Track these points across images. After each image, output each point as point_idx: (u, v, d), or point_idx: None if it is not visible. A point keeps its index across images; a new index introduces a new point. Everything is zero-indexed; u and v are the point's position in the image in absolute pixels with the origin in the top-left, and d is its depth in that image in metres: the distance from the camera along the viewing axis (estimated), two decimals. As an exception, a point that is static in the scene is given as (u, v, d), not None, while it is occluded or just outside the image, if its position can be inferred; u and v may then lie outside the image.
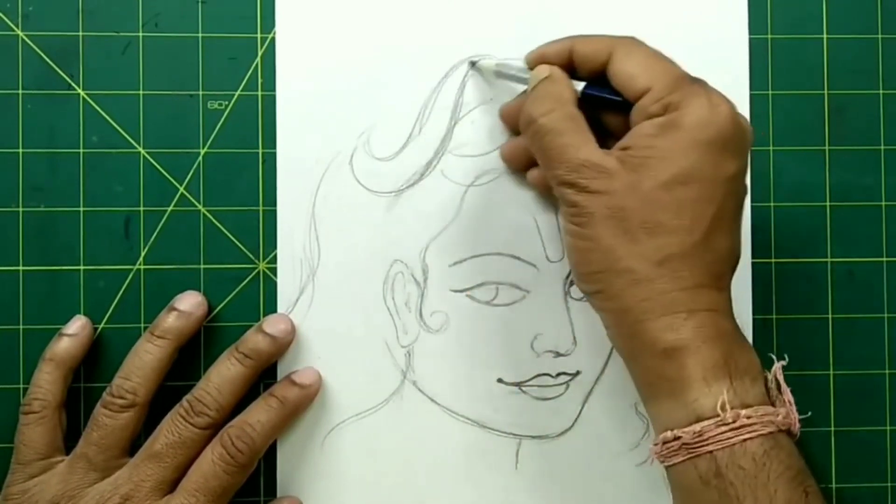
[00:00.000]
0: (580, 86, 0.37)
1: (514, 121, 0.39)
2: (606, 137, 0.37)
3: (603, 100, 0.37)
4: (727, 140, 0.34)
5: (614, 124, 0.37)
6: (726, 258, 0.35)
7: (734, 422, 0.31)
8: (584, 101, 0.37)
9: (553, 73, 0.37)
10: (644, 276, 0.33)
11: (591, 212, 0.34)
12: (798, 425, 0.33)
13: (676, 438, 0.32)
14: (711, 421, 0.32)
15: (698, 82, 0.35)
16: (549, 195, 0.41)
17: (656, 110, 0.34)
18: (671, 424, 0.33)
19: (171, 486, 0.38)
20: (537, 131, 0.36)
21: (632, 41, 0.37)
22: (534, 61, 0.39)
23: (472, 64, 0.42)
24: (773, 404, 0.33)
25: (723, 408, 0.32)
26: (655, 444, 0.34)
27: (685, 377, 0.32)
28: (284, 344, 0.41)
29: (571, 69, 0.38)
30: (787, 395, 0.34)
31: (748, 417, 0.32)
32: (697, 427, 0.32)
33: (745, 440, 0.31)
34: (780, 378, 0.34)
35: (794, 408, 0.33)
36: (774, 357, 0.35)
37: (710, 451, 0.32)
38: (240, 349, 0.40)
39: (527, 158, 0.41)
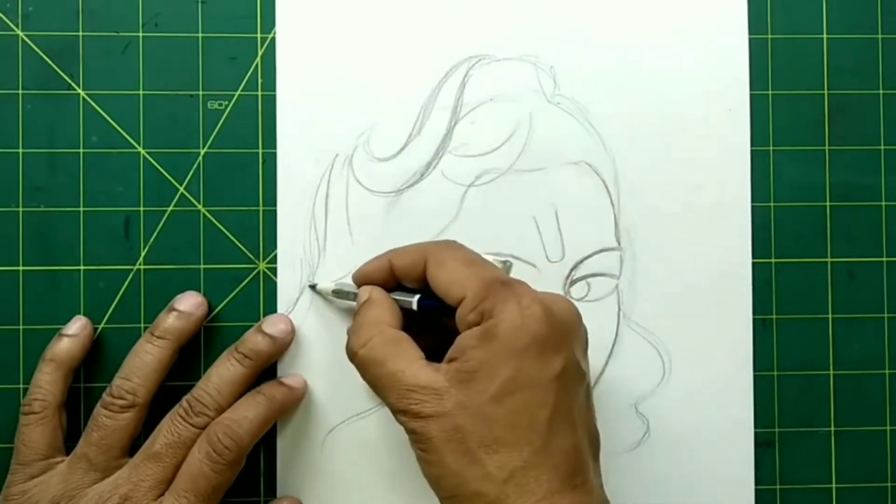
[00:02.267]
0: (414, 299, 0.37)
1: None
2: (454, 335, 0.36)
3: (436, 312, 0.37)
4: (544, 341, 0.33)
5: (454, 323, 0.36)
6: (577, 453, 0.33)
7: None
8: (423, 315, 0.37)
9: (371, 296, 0.37)
10: (494, 498, 0.32)
11: (430, 437, 0.33)
12: None
13: None
14: None
15: (508, 285, 0.34)
16: None
17: (473, 318, 0.34)
18: None
19: (170, 485, 0.38)
20: (360, 364, 0.36)
21: (444, 248, 0.37)
22: (359, 280, 0.39)
23: (312, 287, 0.42)
24: None
25: None
26: None
27: None
28: (284, 344, 0.41)
29: (396, 282, 0.38)
30: None
31: None
32: None
33: None
34: None
35: None
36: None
37: None
38: (239, 349, 0.40)
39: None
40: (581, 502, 0.33)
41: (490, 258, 0.37)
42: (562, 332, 0.34)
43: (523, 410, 0.33)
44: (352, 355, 0.36)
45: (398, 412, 0.34)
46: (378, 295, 0.38)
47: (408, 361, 0.34)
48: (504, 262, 0.39)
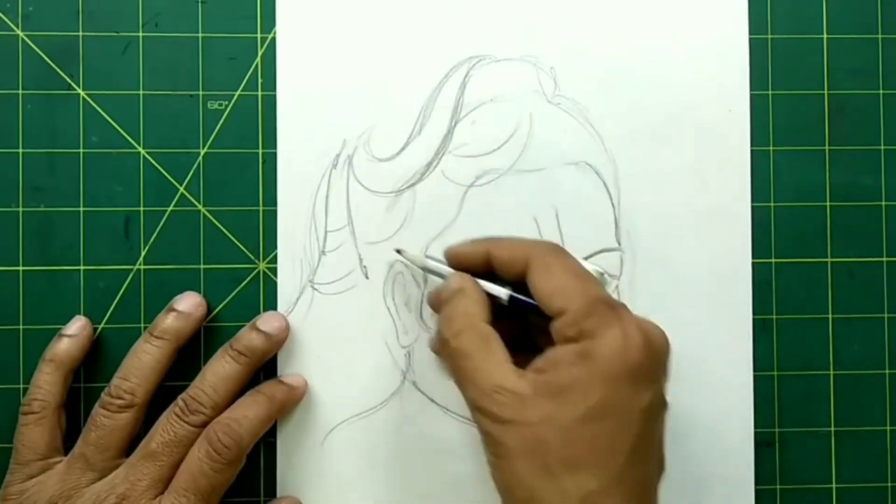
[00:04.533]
0: (506, 294, 0.37)
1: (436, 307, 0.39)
2: (538, 334, 0.36)
3: (528, 310, 0.36)
4: (639, 371, 0.33)
5: (543, 324, 0.36)
6: (645, 486, 0.33)
7: None
8: (511, 309, 0.36)
9: (464, 287, 0.37)
10: None
11: (506, 443, 0.33)
12: None
13: None
14: None
15: (613, 308, 0.34)
16: None
17: (572, 335, 0.33)
18: None
19: (167, 484, 0.38)
20: (450, 354, 0.35)
21: (549, 252, 0.36)
22: (452, 261, 0.38)
23: (399, 252, 0.41)
24: None
25: None
26: None
27: None
28: (279, 341, 0.41)
29: (492, 272, 0.37)
30: None
31: None
32: None
33: None
34: None
35: None
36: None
37: None
38: (234, 347, 0.40)
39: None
40: None
41: (589, 268, 0.37)
42: (656, 364, 0.34)
43: (608, 436, 0.32)
44: (443, 343, 0.36)
45: (476, 410, 0.34)
46: (471, 286, 0.37)
47: (496, 362, 0.34)
48: (602, 274, 0.38)
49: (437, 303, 0.38)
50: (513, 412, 0.33)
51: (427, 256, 0.41)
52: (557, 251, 0.36)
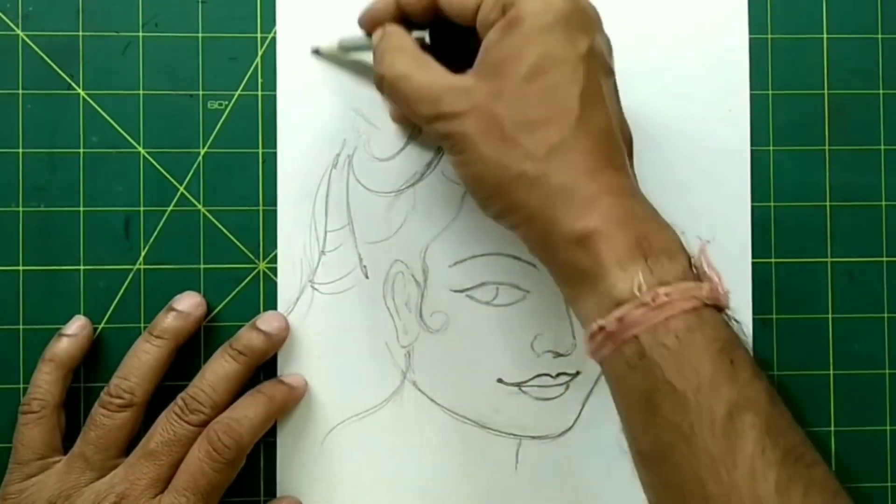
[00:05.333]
0: (425, 37, 0.37)
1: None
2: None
3: (451, 39, 0.36)
4: (569, 19, 0.33)
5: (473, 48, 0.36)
6: (611, 135, 0.34)
7: (653, 301, 0.30)
8: (436, 50, 0.36)
9: (386, 29, 0.37)
10: (536, 175, 0.32)
11: (466, 132, 0.33)
12: (727, 298, 0.32)
13: (601, 329, 0.31)
14: (630, 304, 0.30)
15: None
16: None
17: (495, 16, 0.34)
18: (594, 317, 0.32)
19: (167, 483, 0.38)
20: (390, 85, 0.36)
21: None
22: (367, 23, 0.38)
23: (316, 52, 0.42)
24: (697, 280, 0.32)
25: (639, 289, 0.30)
26: (585, 342, 0.33)
27: (599, 265, 0.31)
28: (278, 341, 0.41)
29: (406, 21, 0.37)
30: (713, 270, 0.32)
31: (667, 295, 0.30)
32: (617, 313, 0.31)
33: (667, 318, 0.30)
34: (706, 255, 0.33)
35: (721, 281, 0.32)
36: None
37: (635, 336, 0.31)
38: (234, 346, 0.40)
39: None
40: (621, 183, 0.33)
41: None
42: (586, 14, 0.34)
43: (555, 88, 0.33)
44: (379, 80, 0.36)
45: (431, 120, 0.34)
46: (392, 27, 0.37)
47: (435, 73, 0.35)
48: None
49: (375, 77, 0.38)
50: (463, 103, 0.33)
51: (340, 42, 0.40)
52: None
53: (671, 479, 0.31)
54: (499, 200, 0.34)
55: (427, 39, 0.37)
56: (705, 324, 0.31)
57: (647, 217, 0.33)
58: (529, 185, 0.33)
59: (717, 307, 0.32)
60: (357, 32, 0.39)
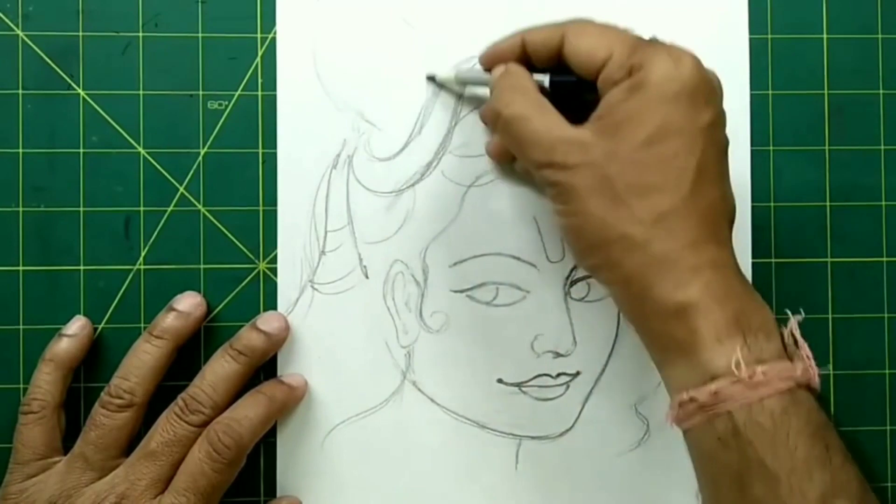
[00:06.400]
0: (545, 79, 0.37)
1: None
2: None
3: (570, 88, 0.36)
4: (695, 90, 0.33)
5: (587, 112, 0.36)
6: (719, 209, 0.34)
7: (750, 379, 0.30)
8: (553, 96, 0.36)
9: (509, 67, 0.37)
10: (641, 240, 0.32)
11: (574, 185, 0.33)
12: (817, 379, 0.32)
13: (692, 400, 0.31)
14: (727, 380, 0.31)
15: (656, 41, 0.35)
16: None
17: (621, 76, 0.34)
18: (686, 385, 0.32)
19: (167, 483, 0.38)
20: (506, 124, 0.36)
21: (580, 19, 0.36)
22: (489, 61, 0.39)
23: (431, 79, 0.42)
24: (790, 360, 0.32)
25: (737, 365, 0.31)
26: (671, 408, 0.33)
27: (697, 337, 0.32)
28: (279, 341, 0.41)
29: (528, 63, 0.37)
30: (805, 349, 0.32)
31: (764, 374, 0.31)
32: (713, 386, 0.31)
33: (762, 398, 0.30)
34: (797, 333, 0.33)
35: (812, 362, 0.32)
36: (790, 313, 0.34)
37: (728, 411, 0.31)
38: (234, 346, 0.40)
39: (509, 154, 0.41)
40: (723, 258, 0.33)
41: None
42: (712, 85, 0.34)
43: (672, 157, 0.33)
44: (496, 117, 0.36)
45: (543, 166, 0.34)
46: (515, 66, 0.37)
47: (554, 120, 0.35)
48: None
49: (484, 113, 0.38)
50: (578, 157, 0.33)
51: (457, 74, 0.41)
52: (587, 19, 0.36)
53: None
54: (597, 256, 0.34)
55: (546, 84, 0.37)
56: (800, 405, 0.31)
57: (746, 294, 0.33)
58: (631, 248, 0.33)
59: (810, 388, 0.32)
60: (476, 66, 0.40)
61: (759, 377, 0.31)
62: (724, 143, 0.35)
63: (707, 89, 0.34)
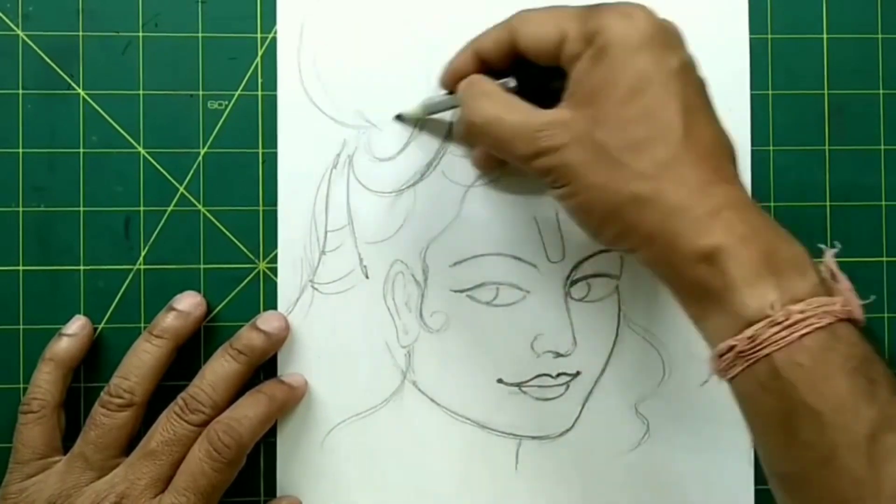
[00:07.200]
0: (511, 82, 0.37)
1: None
2: None
3: (537, 79, 0.36)
4: (655, 37, 0.33)
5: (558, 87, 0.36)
6: (717, 147, 0.33)
7: (786, 319, 0.29)
8: (524, 94, 0.36)
9: (470, 79, 0.37)
10: (650, 194, 0.32)
11: (567, 163, 0.33)
12: (860, 311, 0.31)
13: (731, 349, 0.31)
14: (762, 323, 0.30)
15: (603, 4, 0.34)
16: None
17: (581, 48, 0.34)
18: (723, 335, 0.31)
19: (167, 483, 0.38)
20: (480, 130, 0.36)
21: (522, 11, 0.36)
22: (447, 82, 0.39)
23: (399, 117, 0.42)
24: (829, 294, 0.31)
25: (771, 307, 0.30)
26: (711, 360, 0.32)
27: (727, 282, 0.31)
28: (278, 341, 0.41)
29: (489, 71, 0.37)
30: (844, 281, 0.32)
31: (801, 312, 0.30)
32: (749, 332, 0.30)
33: (801, 336, 0.29)
34: (833, 266, 0.32)
35: (853, 294, 0.31)
36: (824, 247, 0.34)
37: (767, 355, 0.30)
38: (234, 346, 0.40)
39: (495, 160, 0.40)
40: (737, 195, 0.33)
41: None
42: (669, 32, 0.34)
43: (654, 106, 0.32)
44: (469, 128, 0.36)
45: (530, 158, 0.34)
46: (475, 76, 0.37)
47: (526, 111, 0.35)
48: None
49: (463, 127, 0.38)
50: (563, 136, 0.33)
51: (424, 104, 0.41)
52: (529, 7, 0.36)
53: (812, 502, 0.30)
54: (613, 225, 0.33)
55: (511, 84, 0.37)
56: (840, 340, 0.30)
57: (771, 230, 0.32)
58: (644, 206, 0.32)
59: (852, 320, 0.31)
60: (441, 93, 0.40)
61: (795, 316, 0.30)
62: (700, 83, 0.34)
63: (666, 35, 0.34)
